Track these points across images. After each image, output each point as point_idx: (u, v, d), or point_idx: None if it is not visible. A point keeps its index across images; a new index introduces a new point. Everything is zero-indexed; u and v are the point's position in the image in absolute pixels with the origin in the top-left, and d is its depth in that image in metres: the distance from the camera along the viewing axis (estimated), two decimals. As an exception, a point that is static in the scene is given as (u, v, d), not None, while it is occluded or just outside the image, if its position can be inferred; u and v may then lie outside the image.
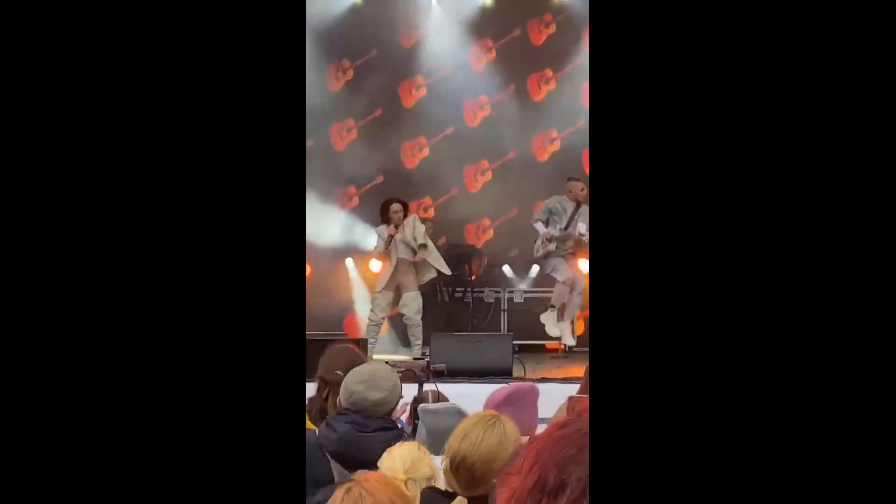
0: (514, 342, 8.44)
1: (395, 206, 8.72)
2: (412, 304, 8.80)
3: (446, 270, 9.09)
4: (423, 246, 8.77)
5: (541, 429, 3.62)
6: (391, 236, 8.67)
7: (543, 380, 7.62)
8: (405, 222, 8.72)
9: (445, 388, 5.34)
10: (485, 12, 11.17)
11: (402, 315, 8.96)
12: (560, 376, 8.00)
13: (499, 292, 10.69)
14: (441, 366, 4.72)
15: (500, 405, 3.41)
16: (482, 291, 10.69)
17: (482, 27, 11.23)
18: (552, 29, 11.26)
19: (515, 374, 7.75)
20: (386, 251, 8.74)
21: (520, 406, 3.39)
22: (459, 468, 2.49)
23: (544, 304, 9.61)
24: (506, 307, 10.60)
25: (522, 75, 11.20)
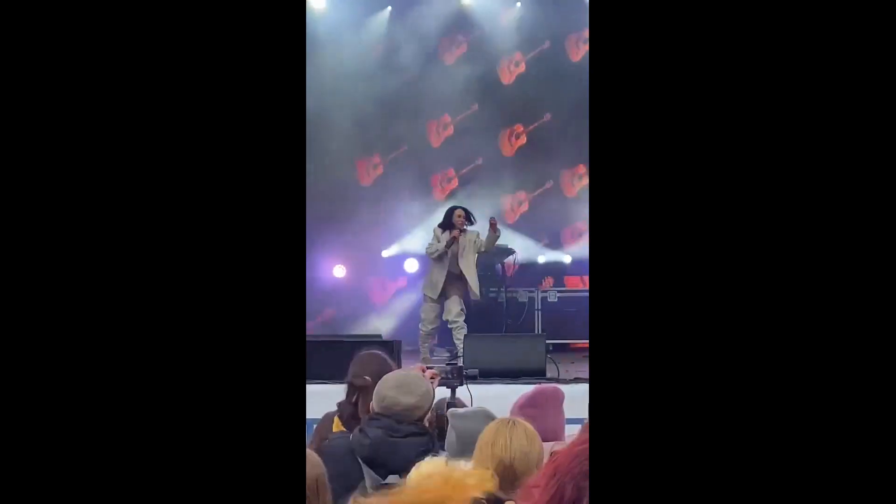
0: (548, 342, 8.41)
1: (460, 212, 8.93)
2: (453, 307, 8.96)
3: (476, 293, 9.19)
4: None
5: (570, 429, 3.60)
6: (454, 238, 8.80)
7: (577, 380, 7.59)
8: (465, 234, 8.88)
9: (479, 389, 5.33)
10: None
11: (446, 321, 9.11)
12: (594, 376, 7.97)
13: (532, 291, 10.67)
14: (473, 371, 4.71)
15: (523, 408, 3.40)
16: (516, 291, 10.68)
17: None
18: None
19: (549, 374, 7.72)
20: (444, 252, 8.85)
21: (543, 409, 3.37)
22: (502, 472, 2.52)
23: (578, 304, 9.60)
24: (540, 307, 10.58)
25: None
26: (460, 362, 7.31)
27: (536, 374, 7.51)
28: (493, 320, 10.25)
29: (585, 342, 9.78)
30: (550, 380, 7.30)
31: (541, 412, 3.36)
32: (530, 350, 8.01)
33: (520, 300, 10.67)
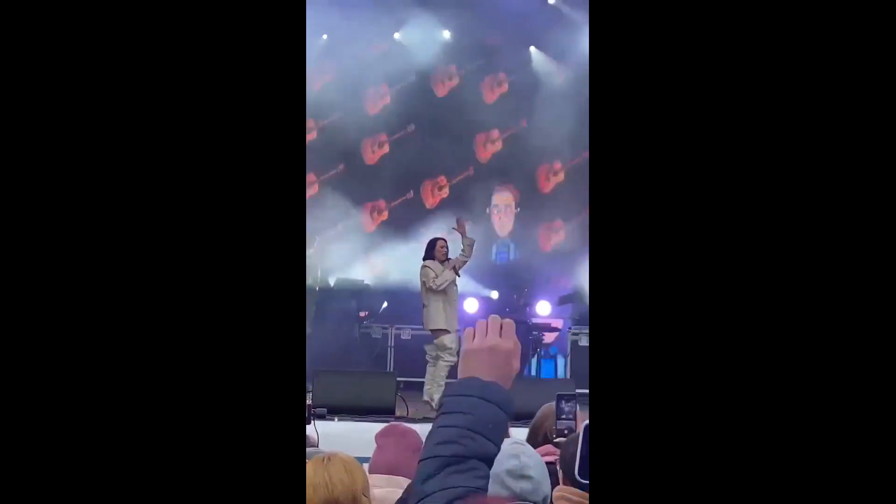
0: (399, 380, 8.46)
1: (442, 243, 8.80)
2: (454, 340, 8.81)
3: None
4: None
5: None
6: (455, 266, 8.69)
7: (425, 419, 7.70)
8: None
9: (328, 426, 5.34)
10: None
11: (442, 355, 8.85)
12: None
13: (386, 328, 10.69)
14: (322, 410, 4.74)
15: (378, 435, 3.50)
16: (370, 327, 10.66)
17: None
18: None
19: (398, 412, 7.79)
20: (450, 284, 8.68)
21: (390, 439, 3.46)
22: None
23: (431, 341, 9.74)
24: (392, 343, 10.60)
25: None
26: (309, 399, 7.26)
27: (385, 412, 7.56)
28: (346, 356, 10.24)
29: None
30: (399, 418, 7.37)
31: (388, 442, 3.44)
32: (380, 387, 8.06)
33: (373, 336, 10.69)
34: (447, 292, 8.65)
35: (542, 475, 2.53)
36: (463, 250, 8.73)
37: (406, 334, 10.66)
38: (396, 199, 11.91)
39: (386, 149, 11.87)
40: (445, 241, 8.84)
